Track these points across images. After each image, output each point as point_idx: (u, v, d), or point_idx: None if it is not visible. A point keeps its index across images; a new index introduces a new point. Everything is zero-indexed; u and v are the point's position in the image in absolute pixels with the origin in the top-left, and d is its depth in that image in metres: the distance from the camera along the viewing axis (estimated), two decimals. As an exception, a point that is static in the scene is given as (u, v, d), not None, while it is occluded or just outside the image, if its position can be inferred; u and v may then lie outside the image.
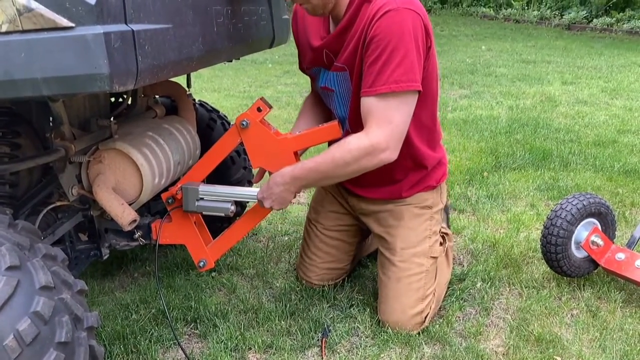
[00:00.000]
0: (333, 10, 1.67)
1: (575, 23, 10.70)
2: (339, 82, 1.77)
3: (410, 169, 1.87)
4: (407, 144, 1.72)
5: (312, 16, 1.74)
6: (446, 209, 2.24)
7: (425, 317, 1.86)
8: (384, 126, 1.57)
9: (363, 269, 2.24)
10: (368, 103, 1.60)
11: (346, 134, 1.75)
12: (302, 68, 1.94)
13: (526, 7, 11.91)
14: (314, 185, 2.00)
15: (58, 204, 1.70)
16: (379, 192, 1.91)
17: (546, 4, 11.72)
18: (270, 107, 1.69)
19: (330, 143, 1.82)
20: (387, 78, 1.54)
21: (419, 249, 1.89)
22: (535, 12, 11.54)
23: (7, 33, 1.03)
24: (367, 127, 1.60)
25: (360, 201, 1.98)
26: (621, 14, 10.63)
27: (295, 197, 1.75)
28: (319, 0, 1.62)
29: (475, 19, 12.08)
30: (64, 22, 1.01)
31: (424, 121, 1.81)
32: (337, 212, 2.07)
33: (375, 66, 1.56)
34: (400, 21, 1.53)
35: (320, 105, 1.97)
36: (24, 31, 1.02)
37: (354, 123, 1.74)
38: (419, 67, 1.59)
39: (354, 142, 1.60)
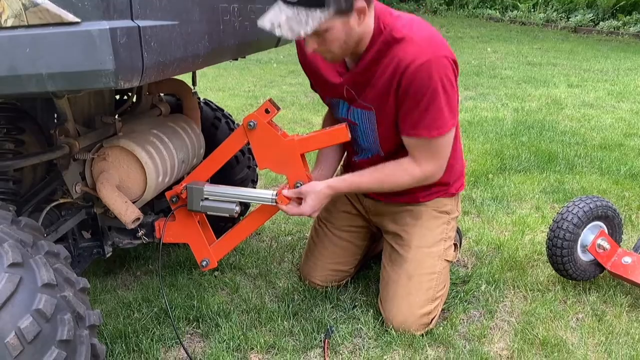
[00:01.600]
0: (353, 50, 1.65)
1: (581, 26, 10.66)
2: (363, 119, 1.79)
3: (433, 185, 1.88)
4: None
5: None
6: (458, 231, 2.24)
7: (432, 320, 1.85)
8: (434, 161, 1.72)
9: (367, 270, 2.23)
10: (413, 142, 1.70)
11: (378, 158, 1.84)
12: (315, 90, 1.96)
13: (532, 10, 11.87)
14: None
15: (61, 201, 1.69)
16: (397, 198, 1.94)
17: (552, 7, 11.69)
18: (279, 108, 1.69)
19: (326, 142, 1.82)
20: (429, 124, 1.65)
21: (434, 249, 1.89)
22: (542, 15, 11.51)
23: (12, 28, 1.02)
24: (417, 160, 1.71)
25: (377, 203, 2.00)
26: (628, 17, 10.58)
27: None
28: (340, 50, 1.59)
29: (481, 21, 12.05)
30: (70, 17, 1.00)
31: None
32: (349, 212, 2.07)
33: (414, 112, 1.64)
34: (434, 73, 1.58)
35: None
36: (29, 26, 1.02)
37: (387, 150, 1.83)
38: (454, 106, 1.68)
39: (412, 172, 1.73)
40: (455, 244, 2.06)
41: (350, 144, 1.93)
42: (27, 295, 1.11)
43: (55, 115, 1.63)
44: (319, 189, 1.71)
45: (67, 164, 1.63)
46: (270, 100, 1.68)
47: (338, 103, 1.85)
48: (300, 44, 1.80)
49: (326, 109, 2.03)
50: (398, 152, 1.78)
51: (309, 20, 1.44)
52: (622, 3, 10.86)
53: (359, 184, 1.78)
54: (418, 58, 1.57)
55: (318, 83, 1.87)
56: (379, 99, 1.70)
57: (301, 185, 1.70)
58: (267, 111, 1.67)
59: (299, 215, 1.74)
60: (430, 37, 1.62)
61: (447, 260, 1.92)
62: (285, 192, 1.72)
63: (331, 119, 2.00)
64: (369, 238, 2.11)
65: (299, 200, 1.72)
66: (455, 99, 1.68)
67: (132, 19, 1.07)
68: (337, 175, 2.08)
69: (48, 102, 1.63)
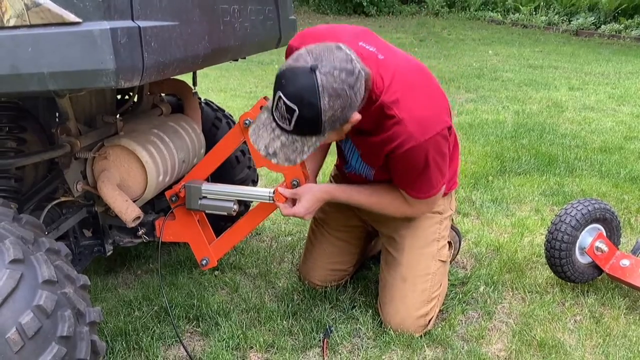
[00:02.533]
0: None
1: (583, 29, 10.66)
2: (353, 152, 1.82)
3: None
4: None
5: None
6: (457, 233, 2.25)
7: (429, 321, 1.86)
8: (426, 207, 1.81)
9: (366, 271, 2.24)
10: (406, 195, 1.74)
11: (366, 179, 1.86)
12: None
13: (534, 13, 11.88)
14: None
15: (63, 199, 1.70)
16: None
17: (554, 10, 11.70)
18: None
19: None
20: (417, 189, 1.70)
21: (427, 250, 1.89)
22: (543, 18, 11.51)
23: (14, 27, 1.04)
24: (411, 204, 1.76)
25: None
26: (629, 20, 10.58)
27: None
28: (336, 136, 1.59)
29: (482, 24, 12.06)
30: (71, 17, 1.02)
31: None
32: (345, 212, 2.08)
33: (405, 177, 1.69)
34: (424, 153, 1.58)
35: None
36: (31, 26, 1.03)
37: (377, 180, 1.84)
38: (444, 171, 1.70)
39: (404, 207, 1.77)
40: (450, 242, 2.06)
41: (341, 152, 1.94)
42: (28, 292, 1.12)
43: (57, 114, 1.64)
44: (315, 192, 1.72)
45: (68, 163, 1.64)
46: (265, 98, 1.69)
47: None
48: (291, 49, 1.74)
49: None
50: (388, 180, 1.80)
51: (304, 148, 1.44)
52: (623, 6, 10.86)
53: (357, 200, 1.80)
54: (407, 142, 1.54)
55: None
56: (368, 156, 1.75)
57: (298, 183, 1.71)
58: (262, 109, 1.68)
59: (292, 216, 1.74)
60: (422, 115, 1.56)
61: (442, 260, 1.92)
62: (281, 190, 1.73)
63: None
64: (366, 237, 2.12)
65: (294, 200, 1.73)
66: (445, 162, 1.69)
67: (132, 20, 1.09)
68: (331, 180, 2.12)
69: (50, 101, 1.64)
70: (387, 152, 1.61)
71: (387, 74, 1.55)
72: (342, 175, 2.05)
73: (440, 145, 1.62)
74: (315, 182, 1.93)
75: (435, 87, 1.67)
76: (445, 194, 1.95)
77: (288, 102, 1.37)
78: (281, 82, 1.40)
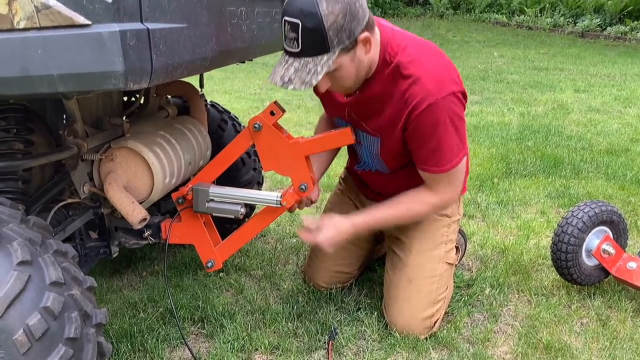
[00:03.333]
0: None
1: (588, 31, 10.64)
2: (367, 142, 1.81)
3: None
4: None
5: None
6: (462, 233, 2.25)
7: (435, 323, 1.85)
8: (450, 188, 1.75)
9: (371, 273, 2.24)
10: (427, 175, 1.72)
11: (383, 174, 1.88)
12: (318, 97, 1.94)
13: (539, 14, 11.86)
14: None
15: (69, 201, 1.71)
16: None
17: (560, 12, 11.67)
18: (284, 110, 1.70)
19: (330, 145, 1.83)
20: (439, 161, 1.66)
21: (434, 252, 1.89)
22: (549, 20, 11.49)
23: (24, 30, 1.04)
24: (434, 189, 1.73)
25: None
26: (635, 22, 10.55)
27: None
28: (353, 83, 1.60)
29: (487, 25, 12.04)
30: (81, 19, 1.02)
31: None
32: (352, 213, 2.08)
33: (425, 149, 1.66)
34: (441, 113, 1.58)
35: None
36: (41, 28, 1.03)
37: (393, 169, 1.85)
38: (463, 135, 1.69)
39: (430, 201, 1.75)
40: (457, 247, 2.06)
41: (353, 152, 1.96)
42: (35, 293, 1.13)
43: (64, 116, 1.65)
44: (340, 225, 1.72)
45: (75, 164, 1.64)
46: (275, 102, 1.69)
47: (341, 122, 1.86)
48: None
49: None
50: (403, 169, 1.82)
51: (317, 69, 1.45)
52: (629, 8, 10.83)
53: (384, 221, 1.78)
54: (425, 100, 1.56)
55: (323, 97, 1.87)
56: (385, 130, 1.72)
57: (306, 187, 1.71)
58: (272, 113, 1.69)
59: (313, 243, 1.75)
60: (437, 72, 1.60)
61: (449, 263, 1.92)
62: (307, 222, 1.73)
63: (326, 122, 2.03)
64: (372, 240, 2.12)
65: (317, 229, 1.72)
66: (464, 129, 1.69)
67: (141, 22, 1.09)
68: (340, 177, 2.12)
69: (57, 103, 1.65)
70: (406, 118, 1.61)
71: (402, 39, 1.63)
72: (352, 177, 2.06)
73: (457, 107, 1.62)
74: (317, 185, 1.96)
75: (446, 58, 1.68)
76: None
77: (291, 19, 1.41)
78: (284, 7, 1.45)
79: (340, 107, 1.78)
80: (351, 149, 1.98)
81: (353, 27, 1.45)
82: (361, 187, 2.05)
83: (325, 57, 1.45)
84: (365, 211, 1.81)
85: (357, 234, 1.77)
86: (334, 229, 1.72)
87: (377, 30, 1.59)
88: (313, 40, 1.42)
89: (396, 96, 1.61)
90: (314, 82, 1.45)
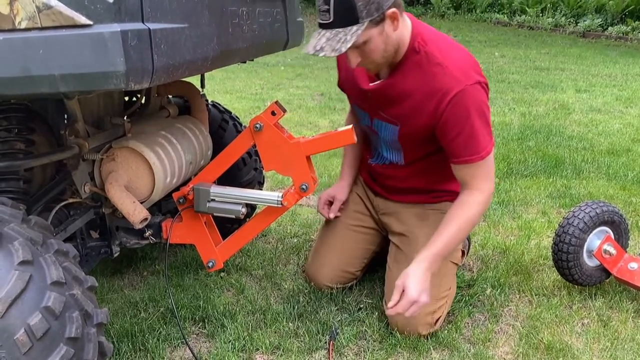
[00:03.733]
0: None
1: (590, 31, 10.62)
2: (386, 131, 1.85)
3: (445, 185, 1.96)
4: (449, 167, 1.80)
5: None
6: (467, 238, 2.25)
7: (436, 321, 1.85)
8: (488, 178, 1.77)
9: (372, 273, 2.23)
10: (463, 170, 1.75)
11: (396, 166, 1.93)
12: (342, 89, 2.02)
13: (540, 14, 11.84)
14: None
15: (70, 200, 1.71)
16: (408, 198, 1.98)
17: (561, 11, 11.66)
18: (285, 110, 1.70)
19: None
20: (474, 150, 1.70)
21: None
22: (550, 19, 11.48)
23: (26, 30, 1.04)
24: (475, 186, 1.75)
25: (387, 202, 2.04)
26: (637, 22, 10.54)
27: None
28: (382, 58, 1.66)
29: (489, 25, 12.03)
30: (82, 19, 1.02)
31: None
32: (361, 212, 2.10)
33: (459, 141, 1.70)
34: (470, 100, 1.65)
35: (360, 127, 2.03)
36: (42, 28, 1.03)
37: (408, 161, 1.91)
38: (490, 125, 1.73)
39: (477, 200, 1.75)
40: (462, 251, 2.06)
41: (367, 145, 2.02)
42: (36, 293, 1.13)
43: (65, 116, 1.65)
44: (414, 273, 1.69)
45: (76, 164, 1.65)
46: (276, 102, 1.70)
47: (360, 111, 1.91)
48: None
49: (348, 107, 2.11)
50: (419, 161, 1.85)
51: (347, 37, 1.53)
52: (631, 8, 10.82)
53: (448, 240, 1.74)
54: (454, 88, 1.64)
55: (347, 83, 1.93)
56: (408, 118, 1.75)
57: (307, 187, 1.71)
58: (273, 113, 1.69)
59: (411, 306, 1.67)
60: (464, 63, 1.68)
61: (453, 262, 1.92)
62: (392, 302, 1.68)
63: (352, 120, 2.09)
64: (378, 244, 2.12)
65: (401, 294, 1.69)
66: (490, 118, 1.73)
67: (142, 22, 1.09)
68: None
69: (58, 103, 1.65)
70: (435, 107, 1.66)
71: (431, 32, 1.73)
72: (362, 172, 2.12)
73: (483, 97, 1.68)
74: (350, 181, 2.13)
75: (470, 53, 1.75)
76: None
77: None
78: None
79: (364, 93, 1.83)
80: (367, 141, 2.02)
81: (381, 1, 1.54)
82: (370, 182, 2.07)
83: (354, 27, 1.53)
84: (427, 245, 1.76)
85: (433, 268, 1.73)
86: (412, 277, 1.68)
87: (406, 17, 1.69)
88: (343, 11, 1.52)
89: (423, 84, 1.68)
90: (343, 50, 1.53)
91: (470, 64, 1.70)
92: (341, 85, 2.01)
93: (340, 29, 1.54)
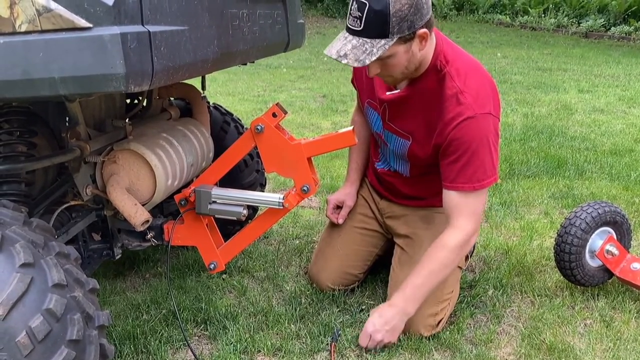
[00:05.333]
0: None
1: (592, 31, 10.60)
2: (396, 144, 1.84)
3: None
4: None
5: None
6: None
7: (439, 323, 1.85)
8: (473, 219, 1.73)
9: (374, 275, 2.23)
10: (452, 197, 1.72)
11: (400, 175, 1.93)
12: (354, 86, 2.02)
13: (543, 15, 11.83)
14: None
15: (72, 203, 1.71)
16: (413, 202, 1.99)
17: (563, 12, 11.64)
18: (286, 112, 1.70)
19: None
20: (469, 177, 1.67)
21: None
22: (552, 20, 11.46)
23: (26, 33, 1.04)
24: (456, 221, 1.72)
25: (392, 205, 2.04)
26: (639, 22, 10.51)
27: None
28: (402, 74, 1.65)
29: (491, 26, 12.02)
30: (82, 22, 1.02)
31: None
32: (365, 215, 2.10)
33: (456, 165, 1.68)
34: (477, 128, 1.63)
35: (366, 128, 2.04)
36: (42, 31, 1.04)
37: (412, 175, 1.91)
38: (496, 161, 1.71)
39: (453, 241, 1.73)
40: (466, 255, 2.06)
41: (375, 148, 2.02)
42: (38, 295, 1.13)
43: (67, 119, 1.65)
44: (384, 308, 1.76)
45: (78, 167, 1.65)
46: (277, 104, 1.70)
47: (373, 115, 1.90)
48: None
49: (353, 107, 2.13)
50: (423, 176, 1.85)
51: (373, 50, 1.51)
52: (633, 8, 10.79)
53: (421, 284, 1.75)
54: (465, 112, 1.62)
55: (362, 82, 1.92)
56: (418, 134, 1.75)
57: (308, 189, 1.71)
58: (274, 115, 1.69)
59: (382, 341, 1.75)
60: (482, 92, 1.66)
61: (457, 266, 1.92)
62: (362, 341, 1.76)
63: (359, 119, 2.08)
64: (381, 247, 2.12)
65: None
66: (497, 155, 1.70)
67: (142, 24, 1.09)
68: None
69: (59, 106, 1.65)
70: (442, 128, 1.65)
71: (455, 52, 1.71)
72: (370, 174, 2.12)
73: (494, 127, 1.66)
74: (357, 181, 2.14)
75: (493, 84, 1.73)
76: None
77: None
78: None
79: (379, 101, 1.82)
80: (374, 144, 2.03)
81: (415, 20, 1.51)
82: (377, 185, 2.08)
83: (383, 41, 1.51)
84: (401, 289, 1.78)
85: (408, 310, 1.75)
86: (377, 316, 1.74)
87: (434, 34, 1.66)
88: (376, 22, 1.49)
89: (437, 103, 1.66)
90: (367, 62, 1.51)
91: (487, 94, 1.67)
92: (355, 81, 1.99)
93: (368, 40, 1.50)
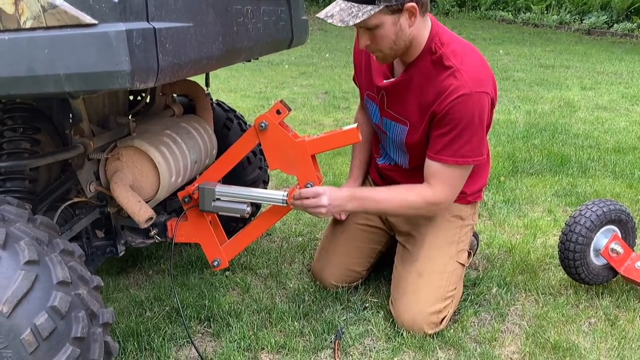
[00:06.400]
0: (402, 56, 1.73)
1: (595, 28, 10.58)
2: (394, 131, 1.86)
3: None
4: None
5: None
6: (475, 235, 2.26)
7: (442, 320, 1.85)
8: (448, 190, 1.76)
9: (377, 273, 2.23)
10: (434, 167, 1.74)
11: (401, 169, 1.94)
12: (355, 83, 2.04)
13: (545, 12, 11.79)
14: (362, 212, 2.01)
15: (76, 200, 1.71)
16: None
17: (566, 9, 11.61)
18: (290, 109, 1.69)
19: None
20: (454, 152, 1.70)
21: (445, 249, 1.90)
22: (555, 17, 11.43)
23: (31, 29, 1.04)
24: (433, 186, 1.76)
25: None
26: (642, 19, 10.48)
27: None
28: (390, 50, 1.67)
29: (493, 23, 11.99)
30: (87, 19, 1.02)
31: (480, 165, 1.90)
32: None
33: (445, 138, 1.70)
34: (472, 106, 1.65)
35: (370, 126, 2.05)
36: (47, 27, 1.03)
37: (412, 166, 1.90)
38: (483, 141, 1.74)
39: (424, 194, 1.76)
40: (469, 252, 2.06)
41: (377, 143, 2.02)
42: (42, 293, 1.13)
43: (70, 115, 1.65)
44: (336, 189, 1.76)
45: (81, 164, 1.65)
46: (281, 101, 1.69)
47: (372, 106, 1.91)
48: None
49: (357, 106, 2.13)
50: (423, 169, 1.84)
51: (359, 14, 1.54)
52: (636, 5, 10.76)
53: (377, 202, 1.79)
54: (460, 90, 1.64)
55: (362, 76, 1.94)
56: (414, 117, 1.76)
57: (312, 186, 1.71)
58: (278, 112, 1.69)
59: (314, 207, 1.70)
60: (478, 71, 1.69)
61: (460, 263, 1.92)
62: (304, 191, 1.71)
63: (362, 117, 2.09)
64: (384, 244, 2.12)
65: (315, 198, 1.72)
66: (484, 133, 1.73)
67: (147, 21, 1.08)
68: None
69: (63, 102, 1.65)
70: (437, 105, 1.67)
71: (451, 37, 1.74)
72: (373, 172, 2.11)
73: (487, 108, 1.68)
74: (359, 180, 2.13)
75: (488, 65, 1.76)
76: (469, 202, 1.97)
77: None
78: None
79: (377, 90, 1.85)
80: (375, 140, 2.03)
81: None
82: (380, 182, 2.08)
83: (369, 7, 1.54)
84: (363, 187, 1.85)
85: (352, 201, 1.76)
86: (335, 192, 1.73)
87: (428, 18, 1.69)
88: None
89: (433, 83, 1.69)
90: (350, 23, 1.55)
91: (484, 75, 1.70)
92: (356, 76, 2.02)
93: (355, 4, 1.55)
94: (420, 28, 1.66)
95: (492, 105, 1.72)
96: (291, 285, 2.15)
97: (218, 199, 1.76)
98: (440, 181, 1.74)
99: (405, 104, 1.77)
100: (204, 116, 2.08)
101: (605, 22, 10.69)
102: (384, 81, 1.81)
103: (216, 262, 1.84)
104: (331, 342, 1.82)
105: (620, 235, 2.06)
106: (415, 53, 1.70)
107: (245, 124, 2.36)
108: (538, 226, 2.62)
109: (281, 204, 1.74)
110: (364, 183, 2.16)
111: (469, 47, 1.76)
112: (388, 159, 1.98)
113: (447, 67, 1.67)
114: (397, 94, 1.78)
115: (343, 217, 2.11)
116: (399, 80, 1.77)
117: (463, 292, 2.05)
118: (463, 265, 1.95)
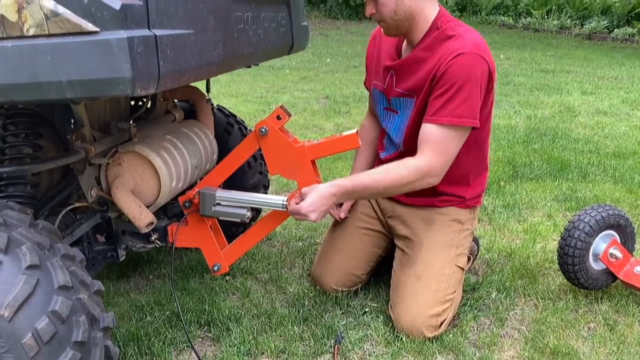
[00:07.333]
0: (409, 35, 1.81)
1: (595, 33, 10.60)
2: (404, 106, 1.89)
3: (451, 188, 1.94)
4: (458, 168, 1.85)
5: (388, 37, 1.88)
6: (475, 240, 2.27)
7: (441, 323, 1.85)
8: (440, 154, 1.74)
9: (377, 277, 2.23)
10: (428, 130, 1.74)
11: (399, 154, 1.92)
12: (367, 86, 2.09)
13: (546, 16, 11.82)
14: (359, 199, 2.05)
15: (77, 205, 1.72)
16: (415, 200, 1.98)
17: (566, 13, 11.64)
18: (290, 115, 1.71)
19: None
20: (450, 111, 1.71)
21: (444, 253, 1.91)
22: (555, 22, 11.46)
23: (34, 37, 1.05)
24: (424, 152, 1.74)
25: (394, 203, 2.04)
26: (643, 24, 10.51)
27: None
28: (392, 20, 1.75)
29: (494, 28, 12.02)
30: (90, 26, 1.03)
31: (476, 154, 1.92)
32: (368, 215, 2.10)
33: (441, 99, 1.72)
34: (470, 65, 1.70)
35: (374, 132, 2.10)
36: (50, 35, 1.05)
37: (408, 146, 1.89)
38: (478, 107, 1.75)
39: (414, 164, 1.74)
40: (469, 256, 2.07)
41: (381, 142, 2.05)
42: (43, 297, 1.14)
43: (72, 121, 1.66)
44: (320, 188, 1.71)
45: (83, 169, 1.66)
46: (281, 106, 1.70)
47: (379, 96, 1.96)
48: (375, 35, 2.02)
49: (357, 111, 2.15)
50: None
51: None
52: (637, 10, 10.78)
53: (365, 186, 1.75)
54: (459, 49, 1.70)
55: (372, 73, 2.00)
56: (419, 86, 1.80)
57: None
58: (278, 117, 1.70)
59: (296, 214, 1.70)
60: (478, 41, 1.75)
61: (459, 267, 1.92)
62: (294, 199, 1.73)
63: (368, 124, 2.13)
64: (384, 247, 2.12)
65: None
66: (478, 98, 1.73)
67: (149, 28, 1.10)
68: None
69: (65, 108, 1.66)
70: (438, 67, 1.71)
71: (455, 20, 1.82)
72: (379, 163, 2.11)
73: (483, 71, 1.71)
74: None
75: (488, 47, 1.80)
76: (468, 207, 1.98)
77: None
78: None
79: (385, 70, 1.91)
80: (380, 138, 2.06)
81: None
82: None
83: None
84: (350, 176, 1.86)
85: (339, 196, 1.74)
86: (315, 193, 1.69)
87: (436, 2, 1.80)
88: None
89: (437, 52, 1.75)
90: None
91: (484, 46, 1.75)
92: (367, 74, 2.06)
93: None
94: (423, 5, 1.74)
95: (491, 78, 1.75)
96: (291, 290, 2.16)
97: (218, 204, 1.77)
98: (434, 145, 1.72)
99: (413, 78, 1.82)
100: (204, 121, 2.09)
101: (605, 27, 10.72)
102: (392, 62, 1.88)
103: (216, 267, 1.85)
104: (331, 346, 1.82)
105: (619, 240, 2.06)
106: (421, 32, 1.78)
107: (246, 129, 2.37)
108: (538, 231, 2.63)
109: (281, 209, 1.75)
110: None
111: (474, 30, 1.82)
112: (392, 147, 1.97)
113: (450, 35, 1.74)
114: (406, 70, 1.84)
115: (342, 215, 2.11)
116: (407, 58, 1.84)
117: (462, 297, 2.05)
118: (462, 269, 1.95)
